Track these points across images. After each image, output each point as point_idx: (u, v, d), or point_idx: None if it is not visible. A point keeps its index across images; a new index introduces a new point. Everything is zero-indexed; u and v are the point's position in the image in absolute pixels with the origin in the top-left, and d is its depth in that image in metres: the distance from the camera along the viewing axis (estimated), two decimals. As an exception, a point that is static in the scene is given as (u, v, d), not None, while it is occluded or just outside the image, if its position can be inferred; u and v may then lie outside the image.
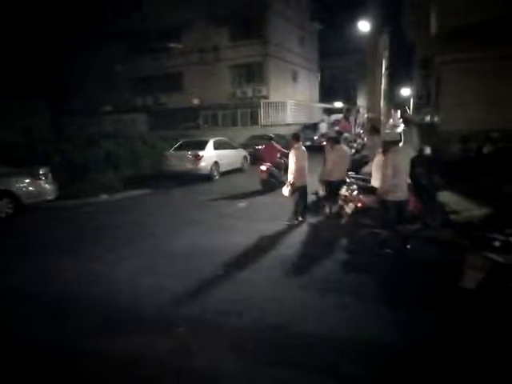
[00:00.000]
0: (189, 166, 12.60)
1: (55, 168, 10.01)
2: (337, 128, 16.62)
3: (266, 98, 23.39)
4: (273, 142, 11.23)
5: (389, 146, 5.47)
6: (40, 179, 8.98)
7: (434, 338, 3.40)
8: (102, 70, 26.02)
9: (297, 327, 3.68)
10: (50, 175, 9.25)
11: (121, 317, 4.03)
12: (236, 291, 4.49)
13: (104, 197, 10.69)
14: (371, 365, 3.09)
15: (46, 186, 9.10)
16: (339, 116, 24.42)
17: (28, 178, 8.80)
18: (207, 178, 12.88)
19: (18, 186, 8.60)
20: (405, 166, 5.38)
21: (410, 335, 3.48)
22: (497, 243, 3.88)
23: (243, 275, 4.99)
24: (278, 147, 11.01)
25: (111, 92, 26.34)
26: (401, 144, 5.59)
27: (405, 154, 5.52)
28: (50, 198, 9.18)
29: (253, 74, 24.15)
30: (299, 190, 7.21)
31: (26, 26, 24.06)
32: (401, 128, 14.04)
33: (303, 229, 6.92)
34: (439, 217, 5.62)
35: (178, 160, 12.80)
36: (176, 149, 13.50)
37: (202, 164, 12.67)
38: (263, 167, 10.40)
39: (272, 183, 10.35)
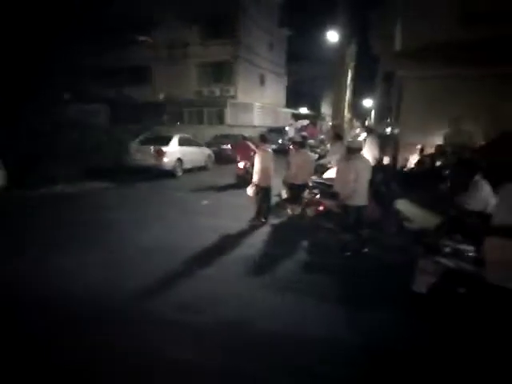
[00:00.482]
0: (152, 161, 12.39)
1: (7, 155, 9.42)
2: (304, 133, 16.97)
3: (233, 98, 23.43)
4: (247, 140, 11.48)
5: (352, 152, 5.68)
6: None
7: (387, 337, 3.58)
8: (66, 58, 24.79)
9: (256, 324, 3.73)
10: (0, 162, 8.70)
11: (78, 313, 3.88)
12: (196, 288, 4.47)
13: (59, 187, 10.21)
14: (326, 360, 3.20)
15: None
16: (306, 121, 24.96)
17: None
18: (170, 174, 12.69)
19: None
20: (366, 173, 5.59)
21: (364, 333, 3.63)
22: (447, 249, 4.13)
23: (205, 272, 4.97)
24: (252, 146, 11.16)
25: (75, 81, 25.14)
26: (362, 152, 5.84)
27: (366, 162, 5.74)
28: (-1, 185, 8.60)
29: (221, 73, 24.13)
30: (263, 191, 7.28)
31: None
32: (362, 137, 14.61)
33: (266, 229, 7.00)
34: (394, 223, 5.90)
35: (141, 154, 12.56)
36: (140, 142, 13.20)
37: (165, 160, 12.49)
38: (241, 164, 10.85)
39: (247, 180, 10.45)
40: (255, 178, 7.24)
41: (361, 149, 5.79)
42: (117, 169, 12.56)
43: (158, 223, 7.26)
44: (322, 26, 17.48)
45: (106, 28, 24.67)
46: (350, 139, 8.43)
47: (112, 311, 3.89)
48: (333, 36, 15.06)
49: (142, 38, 24.92)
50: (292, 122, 26.26)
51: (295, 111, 30.53)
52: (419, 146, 8.12)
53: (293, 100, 33.05)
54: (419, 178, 6.75)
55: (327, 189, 6.62)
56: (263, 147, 7.40)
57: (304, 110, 33.13)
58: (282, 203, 7.98)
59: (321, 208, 6.37)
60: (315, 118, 25.84)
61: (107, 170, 12.46)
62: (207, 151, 15.30)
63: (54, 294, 4.26)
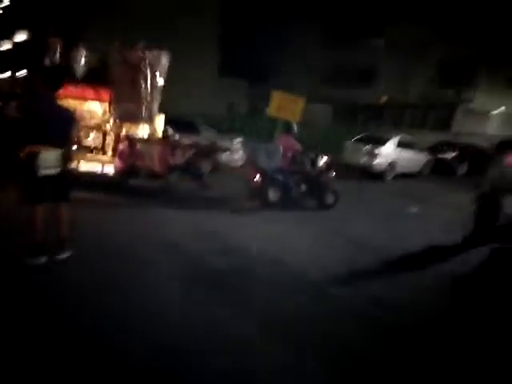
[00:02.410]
0: (363, 161, 12.31)
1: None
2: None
3: (468, 102, 20.58)
4: None
5: None
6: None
7: None
8: (298, 57, 27.39)
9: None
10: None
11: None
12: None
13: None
14: None
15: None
16: None
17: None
18: (379, 176, 12.33)
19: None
20: None
21: None
22: None
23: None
24: None
25: (306, 82, 27.64)
26: None
27: None
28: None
29: (459, 73, 21.30)
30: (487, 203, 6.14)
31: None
32: None
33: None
34: None
35: (353, 152, 12.65)
36: (356, 141, 13.28)
37: (377, 161, 12.16)
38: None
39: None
40: (485, 188, 6.18)
41: None
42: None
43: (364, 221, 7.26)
44: None
45: (337, 29, 25.95)
46: None
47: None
48: None
49: (373, 41, 24.94)
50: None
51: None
52: None
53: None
54: None
55: None
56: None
57: None
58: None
59: None
60: None
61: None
62: (425, 158, 14.08)
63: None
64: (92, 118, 7.40)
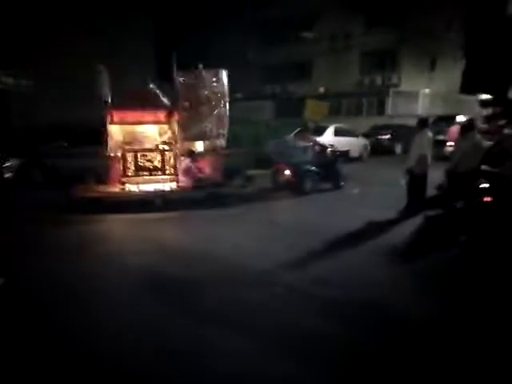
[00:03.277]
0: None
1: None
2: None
3: (396, 86, 21.94)
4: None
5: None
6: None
7: None
8: (236, 57, 27.70)
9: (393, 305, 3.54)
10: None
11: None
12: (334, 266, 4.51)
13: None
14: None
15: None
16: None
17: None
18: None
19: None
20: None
21: None
22: None
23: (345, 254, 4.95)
24: None
25: (242, 79, 27.94)
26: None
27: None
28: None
29: (384, 61, 22.87)
30: (418, 179, 6.68)
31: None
32: None
33: (418, 221, 6.41)
34: None
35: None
36: (296, 134, 13.71)
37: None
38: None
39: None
40: (409, 163, 6.71)
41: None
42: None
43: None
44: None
45: (270, 26, 26.52)
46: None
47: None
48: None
49: (304, 34, 25.78)
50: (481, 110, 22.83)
51: (482, 97, 26.26)
52: None
53: (473, 85, 28.57)
54: None
55: (501, 180, 5.63)
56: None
57: (485, 96, 28.33)
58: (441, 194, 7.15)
59: (487, 199, 5.45)
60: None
61: (263, 160, 13.33)
62: (363, 141, 14.86)
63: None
64: (153, 139, 7.88)
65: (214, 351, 2.87)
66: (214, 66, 7.96)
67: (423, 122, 7.07)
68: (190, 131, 7.64)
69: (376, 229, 6.06)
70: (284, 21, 25.89)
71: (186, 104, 7.55)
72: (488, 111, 20.79)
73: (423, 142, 6.70)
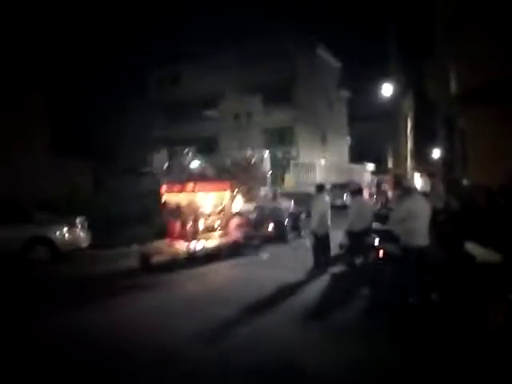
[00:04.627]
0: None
1: (93, 220, 10.50)
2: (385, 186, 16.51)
3: (295, 159, 24.16)
4: None
5: (408, 192, 5.53)
6: (76, 228, 9.50)
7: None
8: (142, 134, 28.12)
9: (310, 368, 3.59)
10: (85, 224, 9.80)
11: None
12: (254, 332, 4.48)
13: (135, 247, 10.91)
14: None
15: (81, 234, 9.60)
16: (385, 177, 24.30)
17: (66, 227, 9.33)
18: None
19: (57, 233, 9.12)
20: (423, 213, 5.33)
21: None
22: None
23: (263, 318, 4.97)
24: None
25: (151, 154, 28.10)
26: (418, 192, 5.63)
27: (423, 200, 5.52)
28: (83, 246, 9.63)
29: (284, 137, 25.37)
30: (321, 240, 7.22)
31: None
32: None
33: (325, 278, 6.81)
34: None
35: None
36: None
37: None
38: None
39: None
40: (312, 225, 7.26)
41: (415, 188, 5.63)
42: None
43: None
44: (379, 81, 17.72)
45: (176, 106, 27.95)
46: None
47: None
48: (388, 89, 15.22)
49: (208, 113, 27.55)
50: (370, 177, 26.24)
51: (362, 167, 30.18)
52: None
53: (358, 157, 32.88)
54: (486, 220, 6.23)
55: (388, 235, 6.39)
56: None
57: (370, 166, 32.67)
58: (343, 252, 7.77)
59: (381, 253, 6.11)
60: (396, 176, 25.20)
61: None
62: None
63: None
64: (216, 204, 9.49)
65: None
66: (118, 144, 7.97)
67: (321, 187, 7.87)
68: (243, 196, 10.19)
69: (289, 289, 6.25)
70: (189, 101, 27.59)
71: (238, 176, 10.17)
72: (376, 178, 23.99)
73: (323, 205, 7.39)
